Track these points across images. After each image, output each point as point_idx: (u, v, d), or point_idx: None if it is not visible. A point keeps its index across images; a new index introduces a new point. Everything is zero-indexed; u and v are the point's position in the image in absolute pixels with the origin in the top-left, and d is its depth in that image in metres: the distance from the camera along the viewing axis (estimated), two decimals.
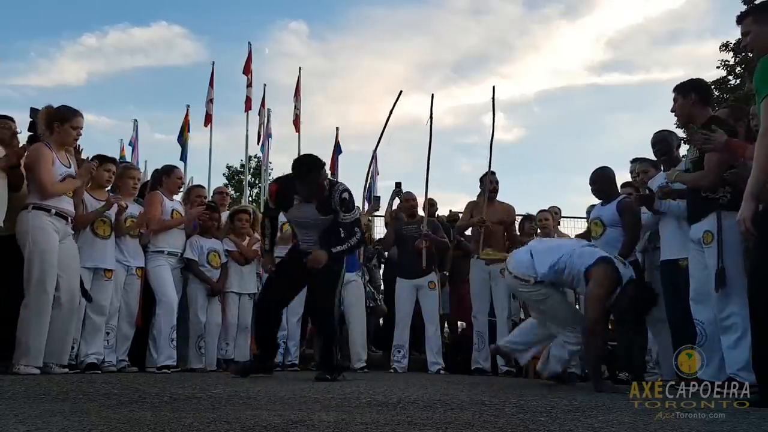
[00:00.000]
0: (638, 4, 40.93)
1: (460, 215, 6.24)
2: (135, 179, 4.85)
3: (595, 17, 38.08)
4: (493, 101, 6.22)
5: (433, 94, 6.34)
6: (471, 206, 5.71)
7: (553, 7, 39.14)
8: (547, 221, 5.81)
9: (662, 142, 4.12)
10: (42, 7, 36.72)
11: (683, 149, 4.98)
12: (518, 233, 5.97)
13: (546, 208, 6.23)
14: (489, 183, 5.56)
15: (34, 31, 39.50)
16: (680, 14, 33.69)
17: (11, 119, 4.13)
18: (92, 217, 4.30)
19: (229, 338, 5.15)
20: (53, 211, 3.85)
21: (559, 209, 6.61)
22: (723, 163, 3.14)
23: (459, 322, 7.00)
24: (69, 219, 3.98)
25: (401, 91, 6.31)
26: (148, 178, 6.62)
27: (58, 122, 3.96)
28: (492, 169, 5.74)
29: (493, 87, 6.27)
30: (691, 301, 3.39)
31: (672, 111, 3.54)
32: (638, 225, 4.29)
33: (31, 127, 4.29)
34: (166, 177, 5.06)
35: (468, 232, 6.11)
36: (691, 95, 3.42)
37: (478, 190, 5.77)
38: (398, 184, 6.15)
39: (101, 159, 4.46)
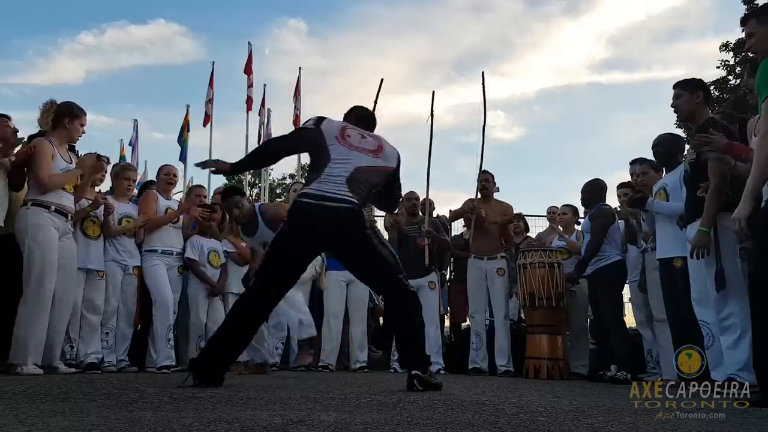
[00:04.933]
0: (640, 1, 40.98)
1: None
2: (130, 180, 4.91)
3: (597, 15, 38.13)
4: (483, 89, 6.18)
5: (434, 92, 6.29)
6: (470, 202, 5.73)
7: (555, 5, 39.20)
8: (565, 215, 5.79)
9: (660, 145, 4.11)
10: (40, 5, 36.82)
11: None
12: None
13: (546, 208, 6.23)
14: (482, 181, 5.66)
15: (32, 30, 39.62)
16: (682, 12, 33.75)
17: (8, 117, 4.13)
18: (81, 215, 4.28)
19: None
20: (53, 207, 3.82)
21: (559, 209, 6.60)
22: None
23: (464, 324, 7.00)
24: (69, 216, 3.96)
25: (382, 79, 6.13)
26: (148, 178, 6.59)
27: (69, 118, 3.98)
28: (485, 168, 5.80)
29: (482, 72, 6.21)
30: (694, 302, 3.38)
31: (673, 106, 3.53)
32: (601, 232, 4.76)
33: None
34: (159, 176, 5.15)
35: (462, 230, 6.13)
36: (698, 93, 3.42)
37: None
38: None
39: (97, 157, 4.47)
